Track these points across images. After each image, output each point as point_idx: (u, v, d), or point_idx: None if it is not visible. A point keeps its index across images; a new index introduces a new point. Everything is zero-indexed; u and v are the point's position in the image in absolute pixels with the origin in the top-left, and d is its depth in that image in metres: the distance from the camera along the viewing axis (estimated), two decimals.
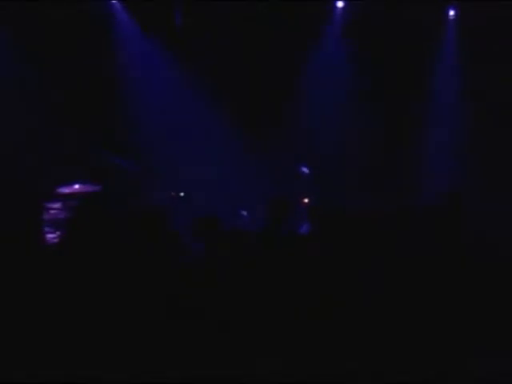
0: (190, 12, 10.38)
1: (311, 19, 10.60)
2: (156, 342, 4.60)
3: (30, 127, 9.57)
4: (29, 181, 8.98)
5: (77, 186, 8.55)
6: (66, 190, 8.51)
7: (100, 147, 9.28)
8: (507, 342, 4.85)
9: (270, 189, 9.24)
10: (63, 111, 9.78)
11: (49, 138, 9.65)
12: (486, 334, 4.88)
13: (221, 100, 10.38)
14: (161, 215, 5.58)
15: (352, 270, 5.11)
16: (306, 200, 8.66)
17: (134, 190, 9.18)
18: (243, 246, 6.09)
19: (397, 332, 4.85)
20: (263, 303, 4.87)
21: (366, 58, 10.70)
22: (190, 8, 10.35)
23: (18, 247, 4.95)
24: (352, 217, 6.14)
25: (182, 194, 9.28)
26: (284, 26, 10.40)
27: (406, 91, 10.65)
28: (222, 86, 10.35)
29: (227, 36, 10.37)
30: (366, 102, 10.66)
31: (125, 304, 4.68)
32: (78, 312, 4.60)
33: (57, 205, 8.26)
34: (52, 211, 8.15)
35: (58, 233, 7.46)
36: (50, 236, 7.22)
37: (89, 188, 8.56)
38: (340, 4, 10.87)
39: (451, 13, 10.89)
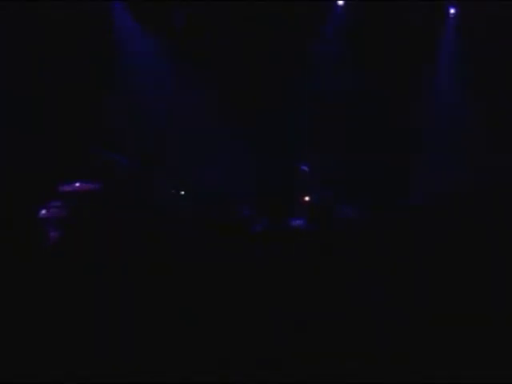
0: (190, 12, 10.40)
1: (311, 19, 10.62)
2: (156, 341, 4.60)
3: (30, 126, 9.58)
4: (29, 180, 9.00)
5: (78, 185, 8.56)
6: (67, 189, 8.52)
7: (100, 146, 9.29)
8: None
9: (270, 186, 9.25)
10: (63, 111, 9.80)
11: (49, 137, 9.67)
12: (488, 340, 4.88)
13: (221, 99, 10.40)
14: (162, 214, 5.60)
15: (352, 270, 5.12)
16: (307, 198, 8.67)
17: (134, 189, 9.20)
18: (245, 243, 6.12)
19: (397, 333, 4.85)
20: (263, 303, 4.87)
21: (366, 58, 10.71)
22: (190, 8, 10.37)
23: (18, 246, 4.95)
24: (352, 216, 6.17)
25: (182, 192, 9.29)
26: (284, 25, 10.43)
27: (406, 90, 10.66)
28: (223, 85, 10.37)
29: (227, 36, 10.39)
30: (366, 101, 10.67)
31: (125, 302, 4.68)
32: (77, 309, 4.60)
33: (58, 203, 8.27)
34: (53, 209, 8.16)
35: (59, 231, 7.47)
36: (51, 234, 7.23)
37: (90, 186, 8.57)
38: (340, 2, 10.87)
39: (452, 11, 10.89)
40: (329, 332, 4.77)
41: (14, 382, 4.29)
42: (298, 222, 6.50)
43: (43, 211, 8.07)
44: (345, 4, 10.87)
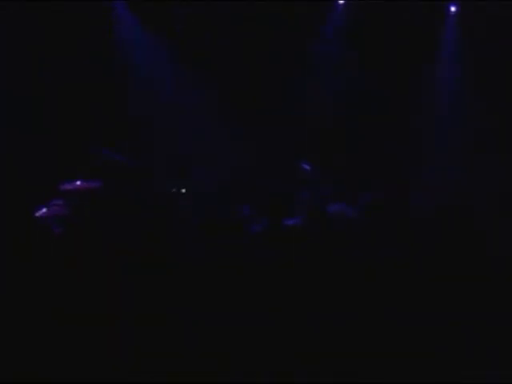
0: (191, 12, 10.41)
1: (311, 19, 10.63)
2: (155, 340, 4.60)
3: (31, 125, 9.59)
4: (30, 179, 9.01)
5: (79, 183, 8.56)
6: (68, 187, 8.52)
7: (101, 145, 9.29)
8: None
9: (270, 185, 9.25)
10: (64, 110, 9.81)
11: (50, 136, 9.68)
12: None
13: (221, 99, 10.41)
14: (165, 212, 5.61)
15: (353, 269, 5.13)
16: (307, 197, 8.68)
17: (135, 187, 9.20)
18: (245, 242, 6.12)
19: (396, 333, 4.86)
20: (263, 302, 4.88)
21: (366, 57, 10.72)
22: (191, 8, 10.38)
23: (19, 244, 4.95)
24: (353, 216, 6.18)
25: (183, 190, 9.28)
26: (284, 25, 10.45)
27: (407, 90, 10.66)
28: (224, 83, 10.38)
29: (227, 36, 10.41)
30: (366, 101, 10.68)
31: (125, 301, 4.69)
32: (78, 307, 4.60)
33: (59, 201, 8.27)
34: (54, 208, 8.16)
35: (60, 229, 7.47)
36: (52, 232, 7.23)
37: (90, 185, 8.57)
38: (341, 2, 10.88)
39: (452, 9, 10.89)
40: (329, 332, 4.78)
41: (13, 382, 4.30)
42: (293, 221, 6.50)
43: (44, 209, 8.08)
44: (345, 4, 10.88)
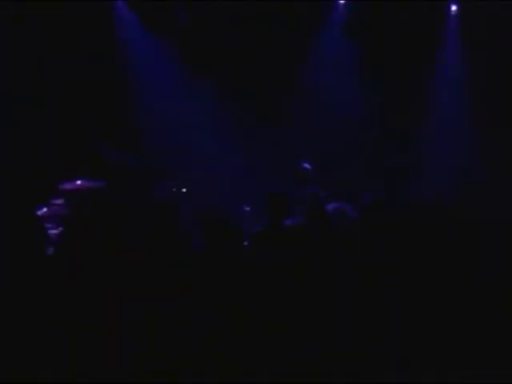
0: (192, 10, 10.41)
1: (311, 19, 10.63)
2: (155, 341, 4.61)
3: (31, 124, 9.61)
4: (30, 178, 9.02)
5: (79, 182, 8.56)
6: (68, 187, 8.52)
7: (102, 144, 9.30)
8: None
9: (271, 184, 9.26)
10: (65, 109, 9.83)
11: (51, 135, 9.69)
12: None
13: (223, 96, 10.42)
14: (168, 211, 5.59)
15: (353, 268, 5.12)
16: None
17: (136, 186, 9.22)
18: (246, 241, 6.12)
19: (396, 333, 4.86)
20: (262, 302, 4.88)
21: (366, 57, 10.73)
22: (192, 6, 10.39)
23: (18, 244, 4.94)
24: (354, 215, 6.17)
25: (183, 189, 9.29)
26: (284, 25, 10.46)
27: (408, 89, 10.67)
28: (224, 82, 10.39)
29: (228, 35, 10.42)
30: (367, 100, 10.69)
31: (126, 301, 4.68)
32: (77, 310, 4.60)
33: (59, 201, 8.29)
34: (54, 207, 8.18)
35: (60, 229, 7.48)
36: (52, 232, 7.24)
37: (91, 184, 8.58)
38: (341, 1, 10.89)
39: (453, 8, 10.89)
40: (328, 332, 4.78)
41: (14, 382, 4.31)
42: (293, 221, 6.50)
43: (44, 209, 8.09)
44: (345, 4, 10.88)
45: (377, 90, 10.64)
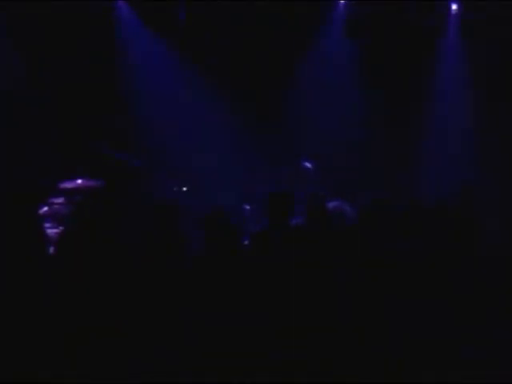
0: (193, 10, 10.42)
1: (311, 19, 10.63)
2: (155, 341, 4.61)
3: (31, 124, 9.61)
4: (31, 177, 9.01)
5: (79, 181, 8.57)
6: (68, 186, 8.52)
7: (102, 143, 9.30)
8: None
9: (271, 183, 9.27)
10: (65, 109, 9.83)
11: (51, 134, 9.69)
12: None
13: (223, 96, 10.43)
14: (169, 210, 5.59)
15: (354, 268, 5.12)
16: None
17: (136, 185, 9.22)
18: (246, 240, 6.12)
19: (396, 333, 4.86)
20: (264, 302, 4.88)
21: (366, 56, 10.73)
22: (193, 6, 10.39)
23: (18, 243, 4.94)
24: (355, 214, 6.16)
25: (184, 188, 9.29)
26: (284, 25, 10.47)
27: (408, 89, 10.67)
28: (225, 82, 10.40)
29: (228, 35, 10.43)
30: (368, 100, 10.70)
31: (126, 301, 4.69)
32: (77, 309, 4.59)
33: (59, 200, 8.28)
34: (55, 206, 8.17)
35: (60, 228, 7.49)
36: (52, 231, 7.24)
37: (91, 183, 8.58)
38: (341, 1, 10.90)
39: (454, 7, 10.88)
40: (328, 332, 4.78)
41: (14, 382, 4.31)
42: (294, 220, 6.50)
43: (44, 208, 8.09)
44: (345, 4, 10.88)
45: (377, 89, 10.64)
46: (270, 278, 5.07)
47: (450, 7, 10.83)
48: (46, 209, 8.10)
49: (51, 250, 5.18)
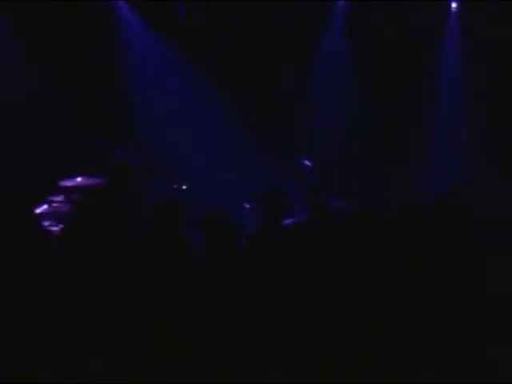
0: (193, 10, 10.43)
1: (311, 19, 10.65)
2: (155, 341, 4.61)
3: (32, 123, 9.62)
4: (31, 176, 9.02)
5: (79, 180, 8.57)
6: (68, 184, 8.53)
7: (102, 141, 9.31)
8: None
9: (271, 182, 9.26)
10: (65, 108, 9.84)
11: (52, 132, 9.70)
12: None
13: (223, 95, 10.44)
14: (173, 209, 5.59)
15: (354, 267, 5.12)
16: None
17: (136, 184, 9.23)
18: (247, 239, 6.12)
19: (396, 333, 4.86)
20: (263, 302, 4.87)
21: (366, 56, 10.74)
22: (193, 6, 10.40)
23: (18, 242, 4.94)
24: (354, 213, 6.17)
25: (184, 187, 9.30)
26: (284, 25, 10.48)
27: (408, 89, 10.68)
28: (225, 82, 10.41)
29: (228, 35, 10.44)
30: (368, 100, 10.71)
31: (126, 300, 4.68)
32: (77, 309, 4.59)
33: (59, 198, 8.29)
34: (54, 204, 8.18)
35: (60, 226, 7.49)
36: (52, 229, 7.25)
37: (91, 181, 8.59)
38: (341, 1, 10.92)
39: (453, 5, 10.88)
40: (328, 332, 4.78)
41: (14, 382, 4.31)
42: (293, 219, 6.50)
43: (44, 206, 8.09)
44: (345, 4, 10.89)
45: (377, 89, 10.64)
46: (267, 277, 5.06)
47: (449, 7, 10.83)
48: (45, 207, 8.10)
49: (51, 248, 5.18)
